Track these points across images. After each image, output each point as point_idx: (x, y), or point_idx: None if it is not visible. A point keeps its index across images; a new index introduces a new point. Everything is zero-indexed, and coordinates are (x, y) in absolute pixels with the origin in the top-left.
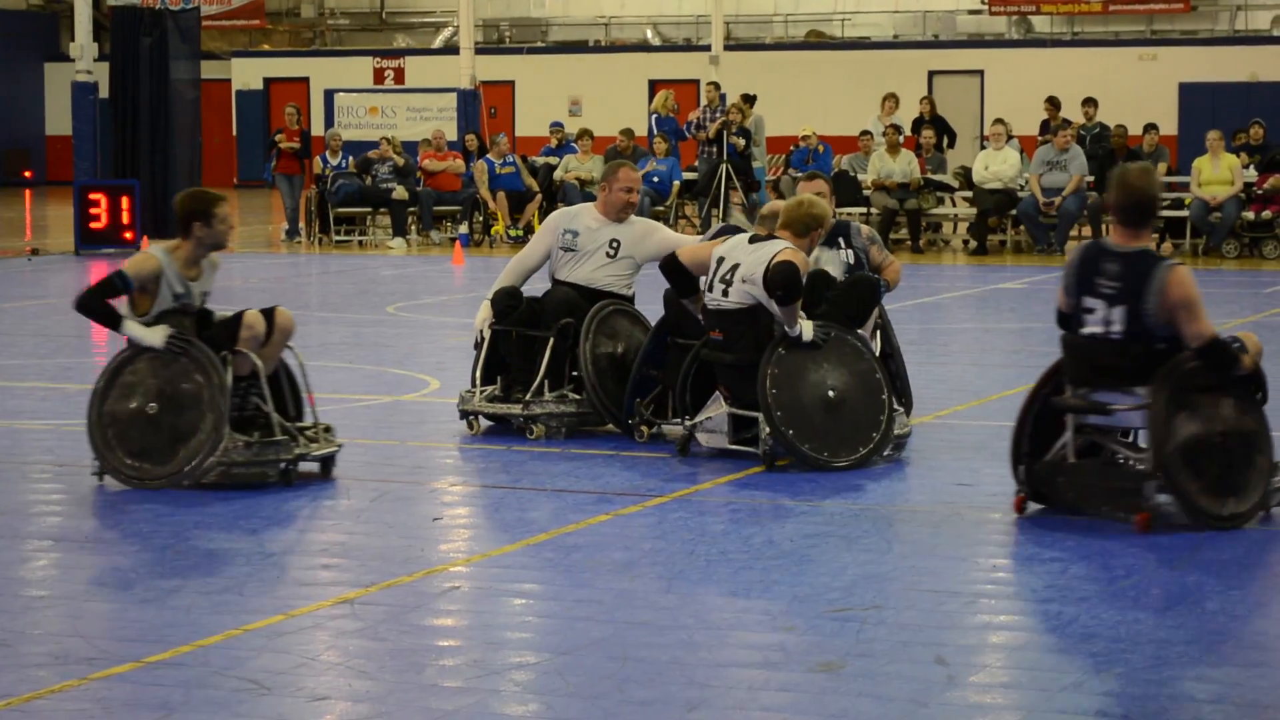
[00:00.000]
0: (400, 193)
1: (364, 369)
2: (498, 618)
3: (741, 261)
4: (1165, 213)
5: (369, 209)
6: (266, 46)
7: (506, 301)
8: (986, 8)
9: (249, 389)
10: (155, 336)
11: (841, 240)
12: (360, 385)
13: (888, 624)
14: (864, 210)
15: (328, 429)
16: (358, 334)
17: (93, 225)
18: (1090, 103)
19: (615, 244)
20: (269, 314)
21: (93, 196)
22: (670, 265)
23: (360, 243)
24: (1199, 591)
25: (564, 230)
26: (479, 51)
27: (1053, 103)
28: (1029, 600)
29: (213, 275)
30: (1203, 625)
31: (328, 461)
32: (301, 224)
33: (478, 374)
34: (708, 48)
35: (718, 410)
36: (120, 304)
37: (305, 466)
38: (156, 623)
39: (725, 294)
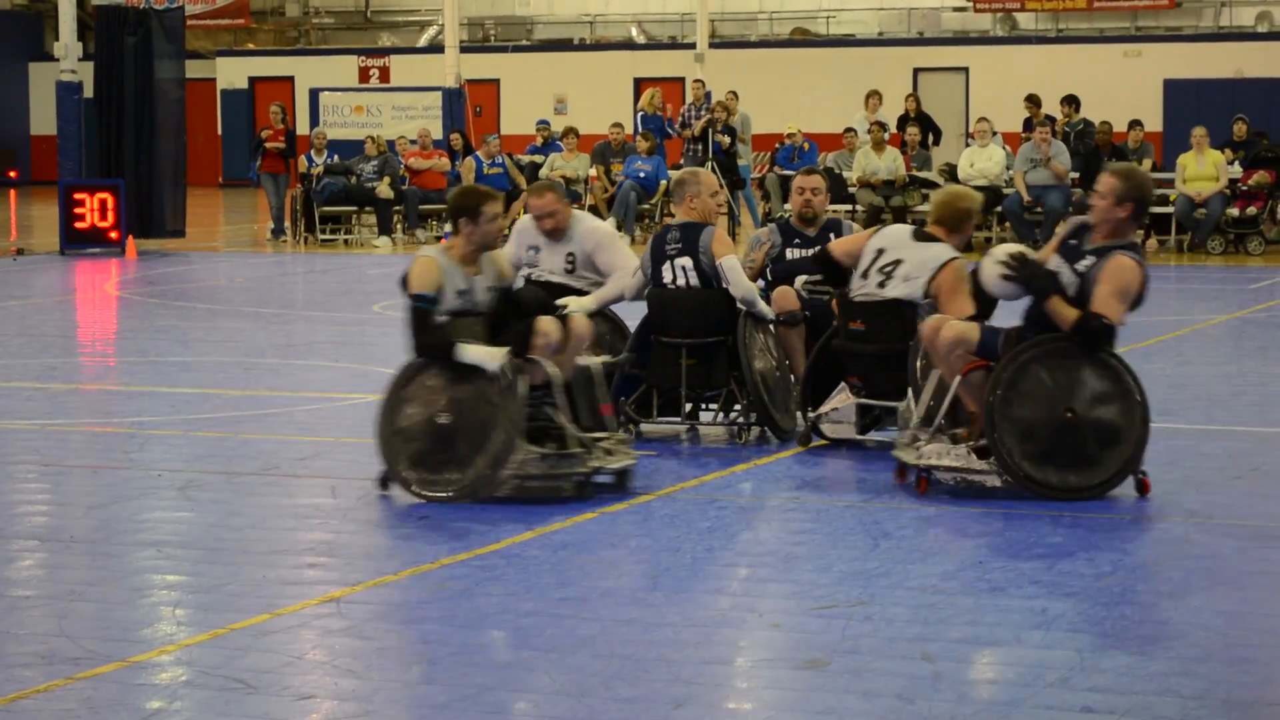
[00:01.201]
0: (385, 191)
1: (349, 367)
2: (484, 616)
3: (906, 258)
4: (1150, 209)
5: (354, 208)
6: (251, 46)
7: None
8: (971, 5)
9: (542, 398)
10: (493, 361)
11: (833, 236)
12: (346, 384)
13: (874, 621)
14: (850, 208)
15: (624, 440)
16: (343, 333)
17: (78, 225)
18: (1070, 101)
19: (571, 258)
20: (564, 320)
21: (77, 196)
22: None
23: (345, 241)
24: (1185, 587)
25: (527, 246)
26: (464, 50)
27: (1033, 100)
28: (1014, 596)
29: (495, 269)
30: (1189, 621)
31: (624, 474)
32: (287, 223)
33: None
34: (693, 45)
35: (845, 401)
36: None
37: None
38: (142, 622)
39: (882, 285)
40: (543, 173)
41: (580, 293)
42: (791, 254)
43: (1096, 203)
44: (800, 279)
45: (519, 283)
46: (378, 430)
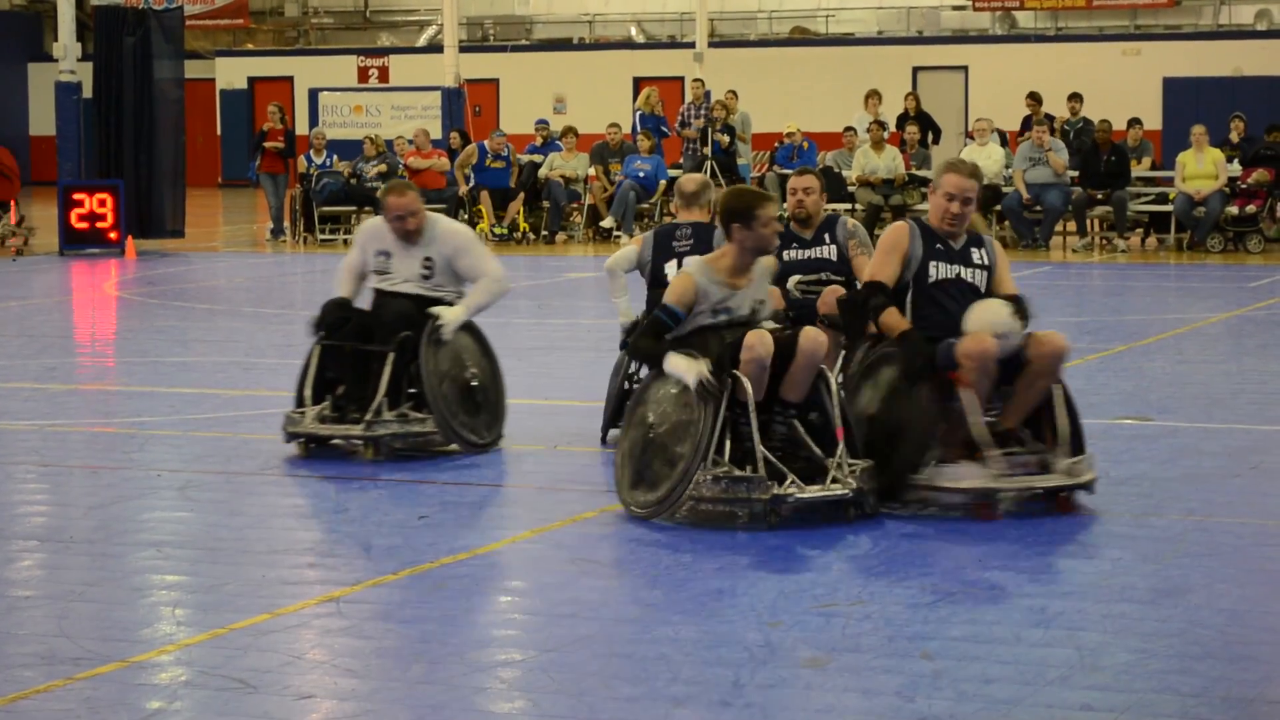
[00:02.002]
0: None
1: None
2: (484, 615)
3: None
4: (1149, 207)
5: (353, 208)
6: (250, 46)
7: (337, 313)
8: (970, 3)
9: (746, 418)
10: (690, 373)
11: (827, 235)
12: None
13: (873, 619)
14: (849, 206)
15: (854, 470)
16: None
17: (77, 225)
18: (1075, 98)
19: (429, 262)
20: (792, 336)
21: (77, 196)
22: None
23: (345, 241)
24: (1184, 585)
25: (375, 251)
26: (463, 50)
27: (1034, 98)
28: (1014, 595)
29: (766, 280)
30: (1188, 619)
31: (851, 505)
32: (286, 223)
33: (306, 392)
34: (692, 45)
35: None
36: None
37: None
38: (142, 622)
39: None
40: (542, 172)
41: (443, 302)
42: (789, 255)
43: (965, 210)
44: (794, 279)
45: (367, 295)
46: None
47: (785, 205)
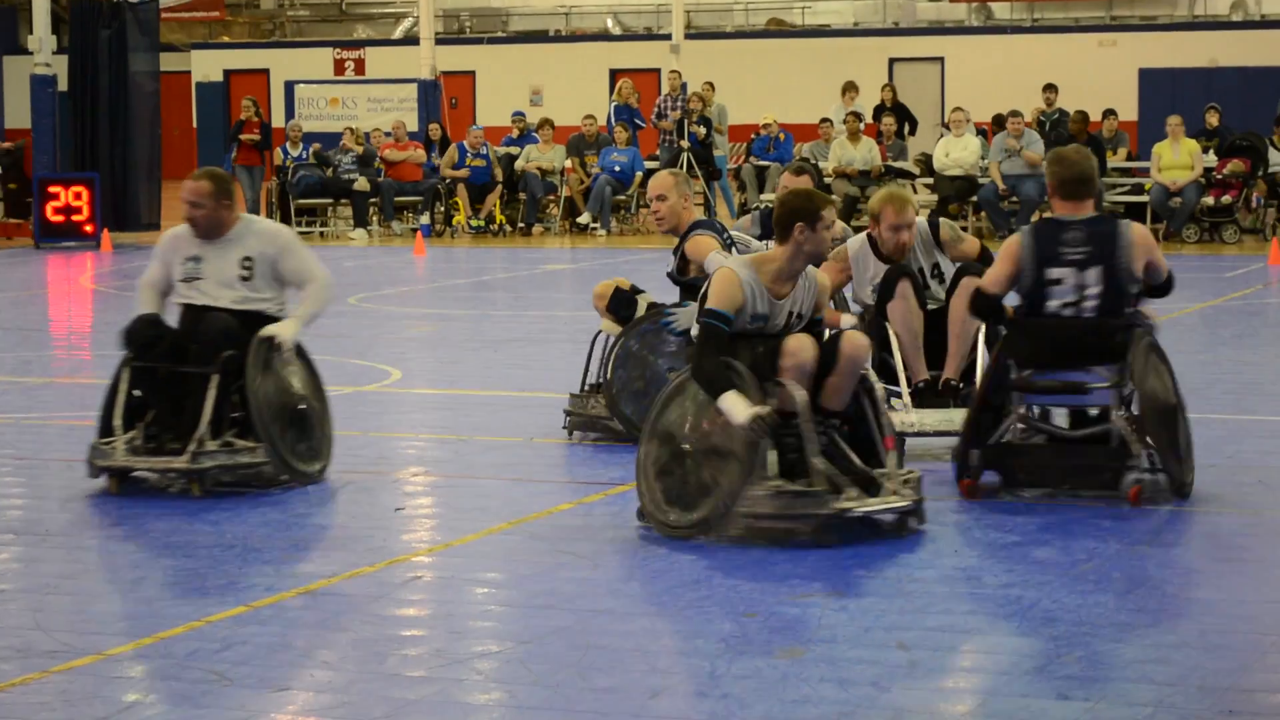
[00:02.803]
0: (361, 184)
1: (326, 360)
2: (460, 607)
3: None
4: (1125, 198)
5: (330, 200)
6: (226, 38)
7: (149, 332)
8: None
9: (795, 427)
10: (742, 415)
11: None
12: (322, 376)
13: (849, 610)
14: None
15: (907, 480)
16: (319, 325)
17: (52, 218)
18: (1050, 89)
19: (248, 262)
20: (835, 341)
21: (52, 190)
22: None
23: (321, 234)
24: (1159, 574)
25: (184, 258)
26: (439, 42)
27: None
28: (990, 585)
29: (811, 293)
30: (1163, 607)
31: (910, 515)
32: (263, 215)
33: (115, 420)
34: (668, 37)
35: None
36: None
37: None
38: (118, 615)
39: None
40: (518, 165)
41: (265, 317)
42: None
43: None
44: None
45: (171, 308)
46: (637, 460)
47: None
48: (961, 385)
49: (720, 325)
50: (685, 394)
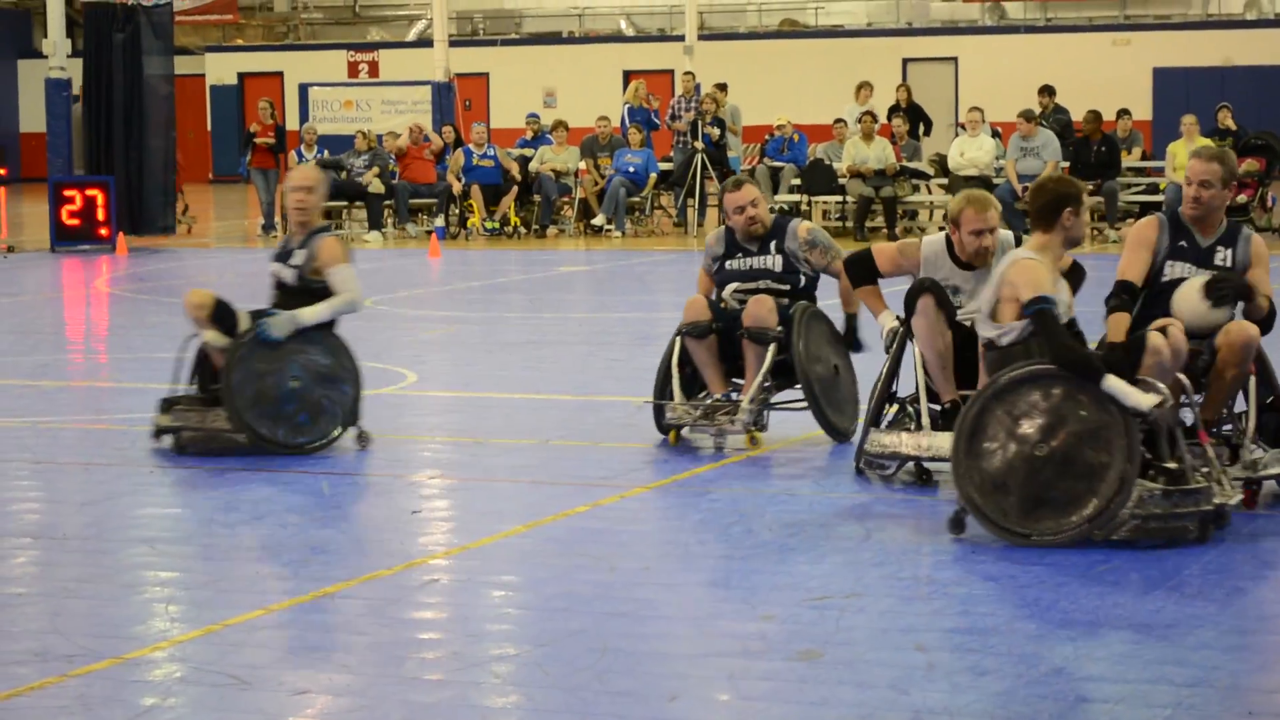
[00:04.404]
0: (376, 186)
1: None
2: (477, 610)
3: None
4: (1140, 197)
5: (344, 203)
6: (240, 41)
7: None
8: None
9: (1153, 424)
10: (1145, 401)
11: (773, 244)
12: None
13: (867, 612)
14: (840, 199)
15: (1225, 472)
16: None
17: (68, 222)
18: (1046, 91)
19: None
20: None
21: (67, 193)
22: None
23: (336, 237)
24: (1177, 575)
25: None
26: (453, 44)
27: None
28: (1008, 586)
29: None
30: (1181, 609)
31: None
32: (278, 218)
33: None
34: (681, 38)
35: None
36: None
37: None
38: (136, 619)
39: None
40: (532, 166)
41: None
42: (732, 264)
43: (1203, 193)
44: (731, 287)
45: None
46: (953, 467)
47: (734, 220)
48: None
49: (1052, 306)
50: (1019, 394)
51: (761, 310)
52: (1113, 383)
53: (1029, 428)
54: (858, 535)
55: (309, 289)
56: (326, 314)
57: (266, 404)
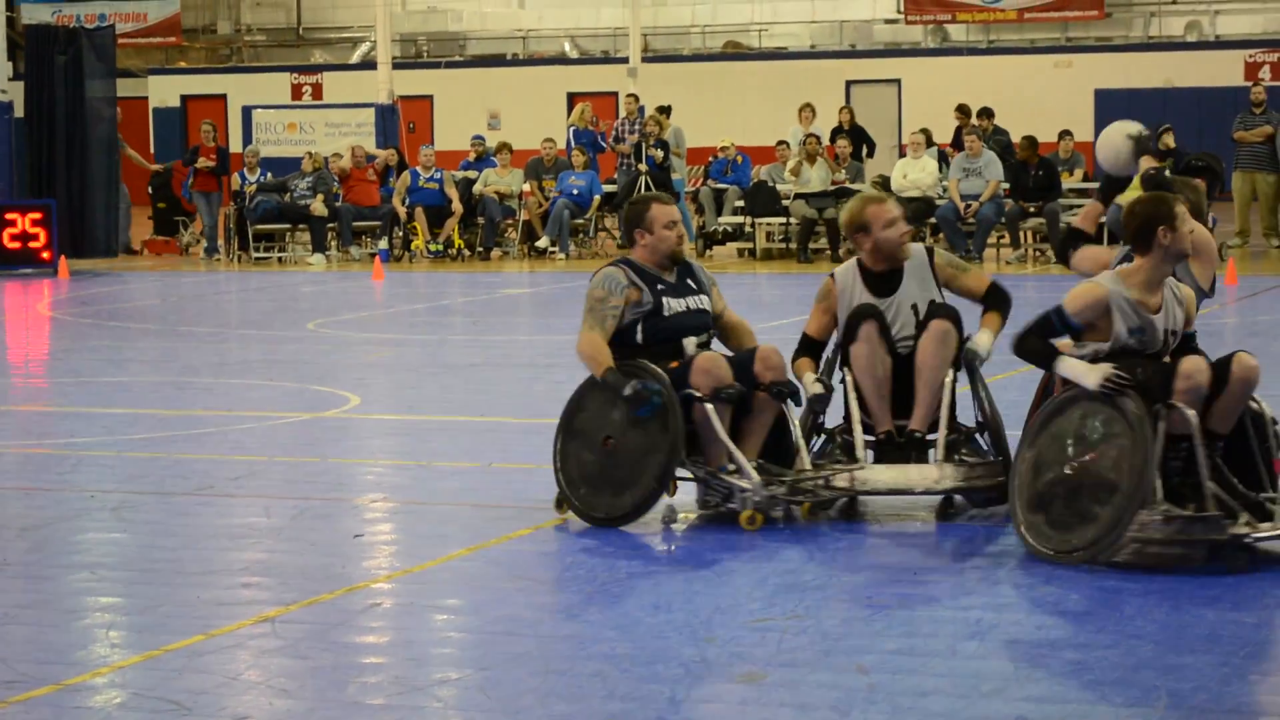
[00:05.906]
0: (319, 209)
1: (284, 386)
2: (420, 634)
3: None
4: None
5: (288, 225)
6: (183, 63)
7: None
8: (903, 17)
9: (1182, 451)
10: (1091, 376)
11: (690, 280)
12: (281, 402)
13: (809, 633)
14: (783, 220)
15: None
16: (277, 351)
17: (9, 245)
18: (985, 114)
19: None
20: (1226, 362)
21: (9, 216)
22: None
23: (280, 259)
24: (1118, 596)
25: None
26: (397, 66)
27: (963, 110)
28: (950, 608)
29: (1180, 305)
30: (1122, 630)
31: None
32: (220, 241)
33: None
34: (625, 60)
35: None
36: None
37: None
38: (76, 645)
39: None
40: (476, 189)
41: None
42: (671, 305)
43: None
44: (690, 340)
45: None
46: (1010, 488)
47: (663, 241)
48: (926, 437)
49: (1058, 322)
50: (1069, 414)
51: (779, 359)
52: (1066, 365)
53: (1058, 445)
54: (799, 557)
55: None
56: None
57: None
